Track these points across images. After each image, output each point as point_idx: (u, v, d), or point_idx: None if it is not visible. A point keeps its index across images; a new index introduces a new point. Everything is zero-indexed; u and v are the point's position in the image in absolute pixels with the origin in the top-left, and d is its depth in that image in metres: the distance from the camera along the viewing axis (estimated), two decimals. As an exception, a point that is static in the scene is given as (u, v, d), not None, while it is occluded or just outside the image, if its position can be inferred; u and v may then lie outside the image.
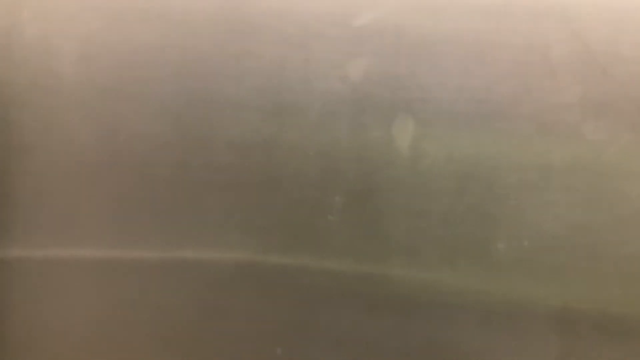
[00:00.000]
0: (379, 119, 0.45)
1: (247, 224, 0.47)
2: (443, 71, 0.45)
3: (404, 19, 0.44)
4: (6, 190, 0.48)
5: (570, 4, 0.43)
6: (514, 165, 0.44)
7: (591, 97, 0.43)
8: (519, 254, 0.45)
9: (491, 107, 0.44)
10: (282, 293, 0.47)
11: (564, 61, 0.44)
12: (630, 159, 0.43)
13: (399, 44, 0.44)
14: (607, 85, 0.43)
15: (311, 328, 0.46)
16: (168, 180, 0.47)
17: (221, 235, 0.47)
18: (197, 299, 0.47)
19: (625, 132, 0.43)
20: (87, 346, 0.49)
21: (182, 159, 0.47)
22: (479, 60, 0.44)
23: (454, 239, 0.45)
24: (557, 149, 0.44)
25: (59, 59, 0.47)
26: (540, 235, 0.44)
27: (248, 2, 0.46)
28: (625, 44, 0.43)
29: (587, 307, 0.44)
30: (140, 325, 0.48)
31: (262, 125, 0.46)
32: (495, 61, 0.44)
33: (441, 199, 0.45)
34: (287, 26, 0.45)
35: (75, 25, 0.47)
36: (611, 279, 0.43)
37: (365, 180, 0.46)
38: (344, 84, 0.45)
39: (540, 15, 0.44)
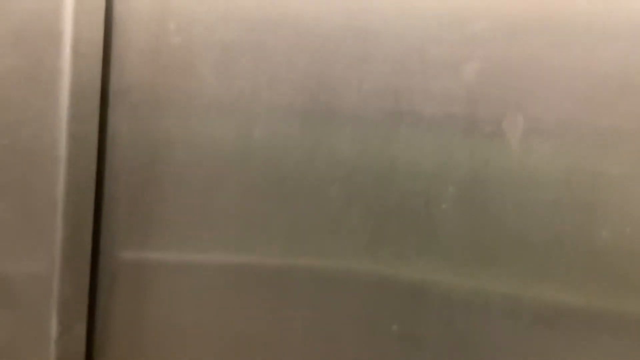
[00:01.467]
0: (490, 116, 0.50)
1: (365, 213, 0.52)
2: (550, 72, 0.49)
3: (514, 25, 0.49)
4: (147, 189, 0.53)
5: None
6: (617, 158, 0.48)
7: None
8: (622, 241, 0.48)
9: (595, 106, 0.49)
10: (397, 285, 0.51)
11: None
12: None
13: (510, 47, 0.49)
14: None
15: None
16: (295, 178, 0.52)
17: (340, 226, 0.52)
18: (329, 305, 0.52)
19: None
20: (217, 349, 0.54)
21: (308, 156, 0.52)
22: (584, 64, 0.48)
23: (560, 228, 0.49)
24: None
25: (200, 65, 0.52)
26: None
27: (370, 11, 0.51)
28: None
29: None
30: (275, 331, 0.53)
31: (381, 123, 0.51)
32: (600, 62, 0.48)
33: (548, 190, 0.49)
34: (405, 31, 0.50)
35: (215, 34, 0.52)
36: None
37: (477, 172, 0.50)
38: (459, 86, 0.50)
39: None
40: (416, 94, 0.50)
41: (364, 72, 0.51)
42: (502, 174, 0.50)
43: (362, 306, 0.52)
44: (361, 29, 0.51)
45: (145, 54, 0.52)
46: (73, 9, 0.46)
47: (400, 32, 0.50)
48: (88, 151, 0.50)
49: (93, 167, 0.51)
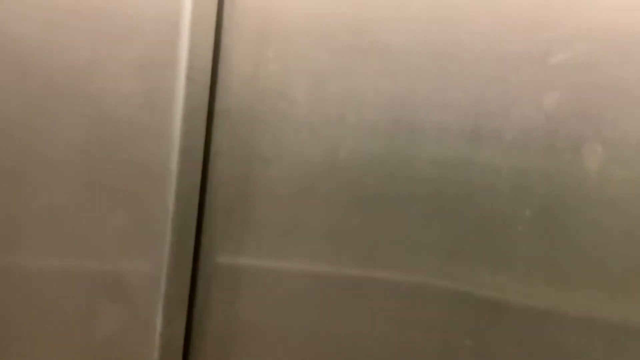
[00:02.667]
0: (569, 143, 0.51)
1: (443, 231, 0.54)
2: (629, 103, 0.50)
3: (594, 58, 0.51)
4: (243, 200, 0.59)
5: None
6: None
7: None
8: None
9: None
10: (471, 296, 0.54)
11: None
12: None
13: (589, 77, 0.51)
14: None
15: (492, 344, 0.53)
16: (377, 195, 0.56)
17: (419, 242, 0.55)
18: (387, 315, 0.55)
19: None
20: (299, 353, 0.58)
21: (390, 174, 0.56)
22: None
23: (637, 254, 0.50)
24: None
25: (295, 89, 0.58)
26: None
27: (453, 40, 0.54)
28: None
29: None
30: (354, 339, 0.57)
31: (462, 145, 0.54)
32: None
33: (625, 217, 0.50)
34: (488, 63, 0.53)
35: (307, 61, 0.57)
36: None
37: (554, 197, 0.52)
38: (539, 113, 0.52)
39: None
40: (496, 119, 0.53)
41: (446, 97, 0.54)
42: (579, 200, 0.51)
43: (437, 320, 0.55)
44: (445, 56, 0.54)
45: (246, 79, 0.58)
46: (187, 40, 0.53)
47: (482, 60, 0.53)
48: (195, 165, 0.57)
49: (198, 180, 0.57)
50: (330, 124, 0.57)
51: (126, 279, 0.54)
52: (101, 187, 0.55)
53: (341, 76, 0.57)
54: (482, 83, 0.53)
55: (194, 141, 0.55)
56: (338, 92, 0.57)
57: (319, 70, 0.57)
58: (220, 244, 0.60)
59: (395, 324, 0.56)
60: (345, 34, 0.56)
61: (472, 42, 0.53)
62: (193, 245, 0.57)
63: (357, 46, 0.56)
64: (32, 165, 0.56)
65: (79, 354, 0.57)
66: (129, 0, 0.53)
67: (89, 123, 0.55)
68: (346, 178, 0.57)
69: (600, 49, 0.51)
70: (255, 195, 0.59)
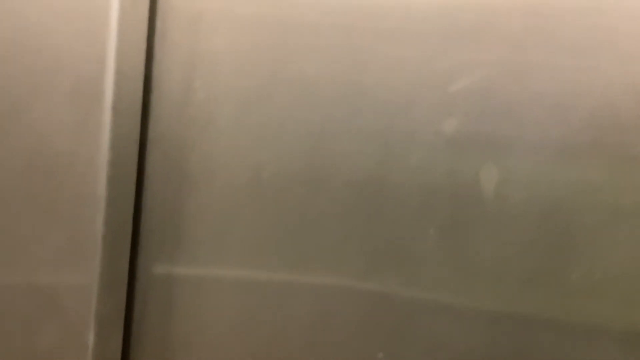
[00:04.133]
0: (468, 166, 0.55)
1: (359, 244, 0.58)
2: (523, 127, 0.53)
3: (490, 85, 0.54)
4: (176, 218, 0.63)
5: None
6: (588, 208, 0.52)
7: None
8: (592, 284, 0.52)
9: (567, 157, 0.52)
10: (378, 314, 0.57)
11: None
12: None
13: (486, 105, 0.54)
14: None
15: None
16: (298, 210, 0.59)
17: (338, 251, 0.59)
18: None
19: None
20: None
21: (309, 193, 0.59)
22: (556, 115, 0.53)
23: (532, 270, 0.53)
24: (628, 194, 0.51)
25: (221, 116, 0.61)
26: (611, 268, 0.51)
27: (365, 72, 0.57)
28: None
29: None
30: (285, 344, 0.60)
31: (374, 168, 0.57)
32: (570, 117, 0.52)
33: (521, 234, 0.54)
34: (394, 91, 0.56)
35: (234, 90, 0.61)
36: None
37: (456, 216, 0.55)
38: (440, 138, 0.55)
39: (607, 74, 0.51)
40: (403, 144, 0.56)
41: (358, 124, 0.58)
42: (479, 219, 0.54)
43: (359, 322, 0.58)
44: (356, 85, 0.58)
45: (176, 108, 0.62)
46: (114, 73, 0.57)
47: (389, 89, 0.57)
48: (127, 189, 0.61)
49: (131, 201, 0.61)
50: (253, 148, 0.61)
51: (60, 296, 0.58)
52: (37, 209, 0.59)
53: (264, 104, 0.60)
54: (390, 110, 0.57)
55: (124, 166, 0.59)
56: (261, 119, 0.60)
57: (243, 98, 0.61)
58: (156, 259, 0.63)
59: (322, 327, 0.59)
60: (268, 64, 0.60)
61: (380, 71, 0.57)
62: (128, 261, 0.61)
63: (278, 76, 0.60)
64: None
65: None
66: (58, 35, 0.57)
67: (27, 152, 0.59)
68: (270, 194, 0.60)
69: (496, 76, 0.54)
70: (187, 214, 0.63)
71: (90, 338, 0.57)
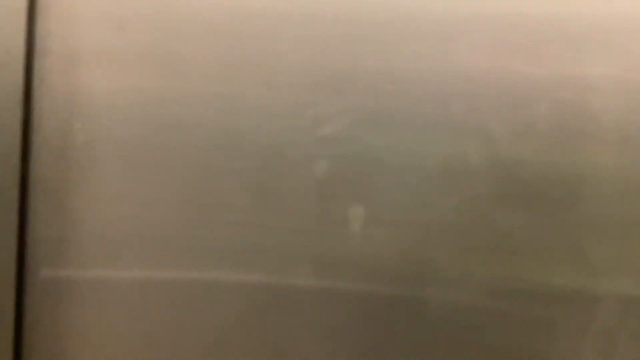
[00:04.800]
0: (337, 207, 0.58)
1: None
2: (386, 169, 0.57)
3: (356, 131, 0.58)
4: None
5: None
6: (445, 245, 0.56)
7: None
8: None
9: (421, 201, 0.57)
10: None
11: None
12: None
13: (351, 149, 0.58)
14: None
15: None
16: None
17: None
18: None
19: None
20: None
21: (192, 230, 0.61)
22: (412, 158, 0.57)
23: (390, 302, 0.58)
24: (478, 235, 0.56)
25: (101, 159, 0.62)
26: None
27: (237, 115, 0.60)
28: None
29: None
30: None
31: (253, 211, 0.60)
32: (424, 161, 0.57)
33: (385, 272, 0.58)
34: (265, 137, 0.59)
35: (112, 132, 0.62)
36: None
37: (327, 256, 0.58)
38: (311, 180, 0.59)
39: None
40: (277, 187, 0.59)
41: (233, 167, 0.60)
42: (347, 256, 0.58)
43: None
44: (233, 132, 0.60)
45: (57, 150, 0.62)
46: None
47: (263, 133, 0.59)
48: (9, 224, 0.61)
49: (14, 235, 0.62)
50: (134, 191, 0.62)
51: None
52: None
53: (144, 147, 0.62)
54: (265, 153, 0.60)
55: (5, 212, 0.60)
56: (140, 162, 0.62)
57: (122, 140, 0.62)
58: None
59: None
60: (147, 107, 0.62)
61: (254, 117, 0.59)
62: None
63: (157, 119, 0.62)
64: None
65: None
66: None
67: None
68: (152, 235, 0.62)
69: (361, 122, 0.58)
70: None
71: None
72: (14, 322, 0.62)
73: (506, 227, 0.55)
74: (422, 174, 0.56)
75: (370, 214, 0.58)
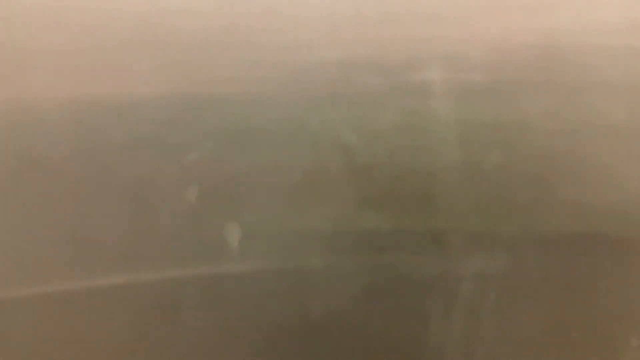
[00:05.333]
0: (213, 227, 0.60)
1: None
2: (259, 189, 0.60)
3: (220, 154, 0.60)
4: None
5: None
6: (322, 254, 0.60)
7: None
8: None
9: (288, 211, 0.60)
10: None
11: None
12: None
13: (220, 171, 0.60)
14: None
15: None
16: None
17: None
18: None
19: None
20: None
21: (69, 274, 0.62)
22: (281, 186, 0.60)
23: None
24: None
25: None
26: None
27: (102, 154, 0.60)
28: None
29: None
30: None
31: (127, 244, 0.61)
32: (292, 167, 0.60)
33: (264, 285, 0.61)
34: (134, 169, 0.60)
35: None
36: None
37: (206, 275, 0.61)
38: (183, 206, 0.60)
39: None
40: (149, 216, 0.60)
41: (104, 201, 0.61)
42: (224, 274, 0.60)
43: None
44: (102, 166, 0.60)
45: None
46: None
47: (131, 167, 0.60)
48: None
49: None
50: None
51: None
52: None
53: (14, 189, 0.61)
54: (135, 185, 0.60)
55: None
56: (13, 205, 0.61)
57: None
58: None
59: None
60: (15, 149, 0.61)
61: (120, 151, 0.60)
62: None
63: (25, 159, 0.61)
64: None
65: None
66: None
67: None
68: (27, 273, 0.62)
69: (223, 145, 0.60)
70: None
71: None
72: None
73: (370, 228, 0.59)
74: (288, 187, 0.59)
75: (245, 230, 0.60)
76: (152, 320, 0.59)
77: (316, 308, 0.60)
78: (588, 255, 0.58)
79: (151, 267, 0.59)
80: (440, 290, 0.59)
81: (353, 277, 0.59)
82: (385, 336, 0.59)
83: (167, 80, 0.59)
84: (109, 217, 0.60)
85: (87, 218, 0.60)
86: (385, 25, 0.57)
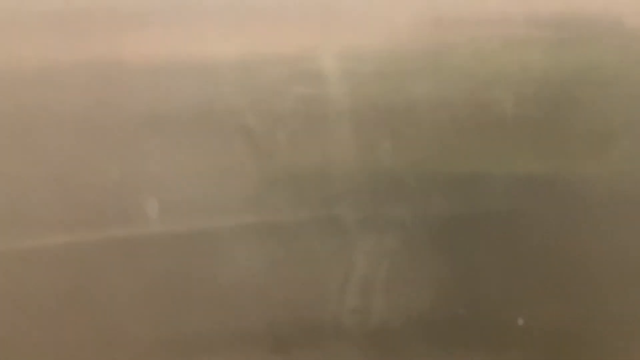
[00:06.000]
0: (133, 201, 0.66)
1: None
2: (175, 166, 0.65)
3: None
4: None
5: None
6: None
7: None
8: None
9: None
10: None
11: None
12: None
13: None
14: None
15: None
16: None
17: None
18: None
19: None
20: None
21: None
22: (200, 178, 0.65)
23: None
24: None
25: None
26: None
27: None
28: None
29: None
30: None
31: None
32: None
33: (175, 256, 0.66)
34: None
35: None
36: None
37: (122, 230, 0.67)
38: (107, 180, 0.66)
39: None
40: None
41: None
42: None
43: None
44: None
45: None
46: None
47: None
48: None
49: None
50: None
51: None
52: None
53: None
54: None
55: None
56: None
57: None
58: None
59: None
60: None
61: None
62: None
63: None
64: None
65: None
66: None
67: None
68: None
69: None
70: None
71: None
72: None
73: (272, 208, 0.63)
74: (206, 178, 0.64)
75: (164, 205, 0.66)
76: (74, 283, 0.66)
77: (223, 274, 0.65)
78: (475, 234, 0.61)
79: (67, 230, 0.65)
80: (335, 265, 0.63)
81: (257, 249, 0.64)
82: (286, 305, 0.65)
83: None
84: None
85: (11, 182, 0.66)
86: (283, 16, 0.60)
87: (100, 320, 0.66)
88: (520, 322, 0.62)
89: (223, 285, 0.65)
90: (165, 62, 0.62)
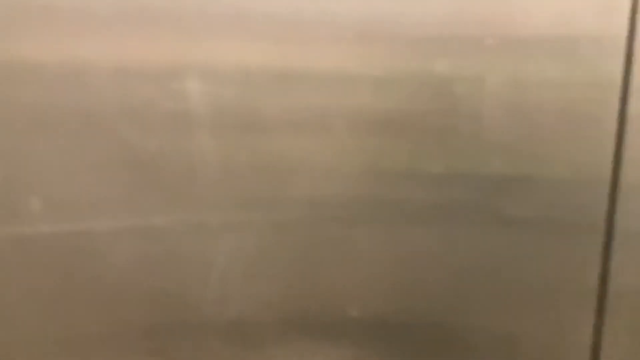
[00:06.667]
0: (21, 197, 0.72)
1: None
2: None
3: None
4: None
5: None
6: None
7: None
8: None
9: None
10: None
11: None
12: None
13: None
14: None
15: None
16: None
17: None
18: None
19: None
20: None
21: None
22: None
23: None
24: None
25: None
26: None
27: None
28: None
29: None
30: None
31: None
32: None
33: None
34: None
35: None
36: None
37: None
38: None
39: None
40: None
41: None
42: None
43: None
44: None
45: None
46: None
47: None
48: None
49: None
50: None
51: None
52: None
53: None
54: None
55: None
56: None
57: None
58: None
59: None
60: None
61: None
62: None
63: None
64: None
65: None
66: None
67: None
68: None
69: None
70: None
71: None
72: None
73: (146, 223, 0.71)
74: (85, 181, 0.70)
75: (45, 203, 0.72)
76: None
77: (102, 272, 0.72)
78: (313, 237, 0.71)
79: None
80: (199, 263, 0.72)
81: (131, 249, 0.72)
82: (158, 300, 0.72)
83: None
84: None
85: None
86: (153, 34, 0.67)
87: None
88: (354, 313, 0.71)
89: (102, 283, 0.72)
90: (53, 66, 0.68)
